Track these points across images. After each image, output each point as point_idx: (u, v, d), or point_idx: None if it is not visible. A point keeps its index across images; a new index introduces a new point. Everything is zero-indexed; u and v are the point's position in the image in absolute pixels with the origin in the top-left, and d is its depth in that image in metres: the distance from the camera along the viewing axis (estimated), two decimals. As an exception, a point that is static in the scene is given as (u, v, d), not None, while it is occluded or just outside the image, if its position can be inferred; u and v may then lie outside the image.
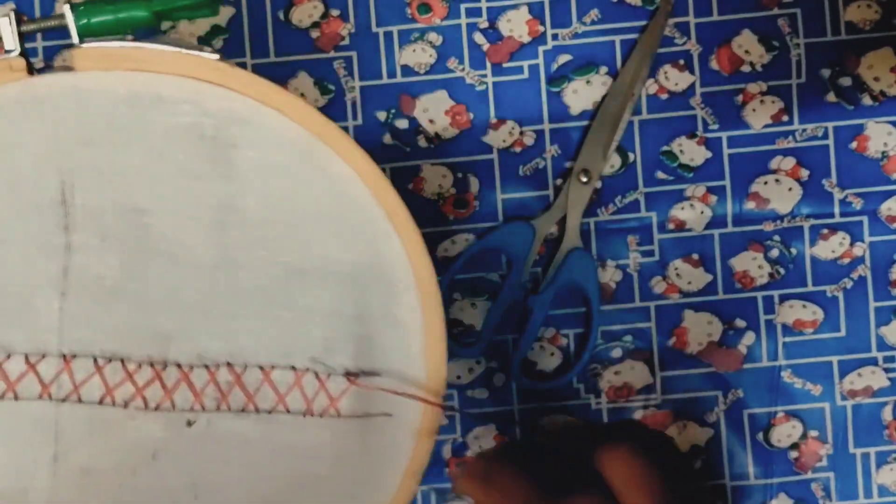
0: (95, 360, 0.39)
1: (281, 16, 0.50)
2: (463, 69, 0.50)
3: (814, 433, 0.51)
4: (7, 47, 0.39)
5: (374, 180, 0.40)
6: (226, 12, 0.50)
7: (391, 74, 0.50)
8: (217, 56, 0.39)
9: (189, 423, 0.39)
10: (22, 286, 0.39)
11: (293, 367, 0.40)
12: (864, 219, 0.51)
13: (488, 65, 0.50)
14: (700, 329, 0.51)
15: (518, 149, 0.50)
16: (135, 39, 0.39)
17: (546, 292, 0.50)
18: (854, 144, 0.50)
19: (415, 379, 0.40)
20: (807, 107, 0.50)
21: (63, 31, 0.39)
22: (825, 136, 0.50)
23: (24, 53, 0.38)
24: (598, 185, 0.50)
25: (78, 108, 0.39)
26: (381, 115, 0.50)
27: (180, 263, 0.39)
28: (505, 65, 0.50)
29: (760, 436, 0.51)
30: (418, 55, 0.50)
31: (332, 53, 0.50)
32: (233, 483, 0.40)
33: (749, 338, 0.51)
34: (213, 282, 0.40)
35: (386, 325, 0.40)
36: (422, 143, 0.50)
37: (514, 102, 0.50)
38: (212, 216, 0.40)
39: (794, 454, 0.51)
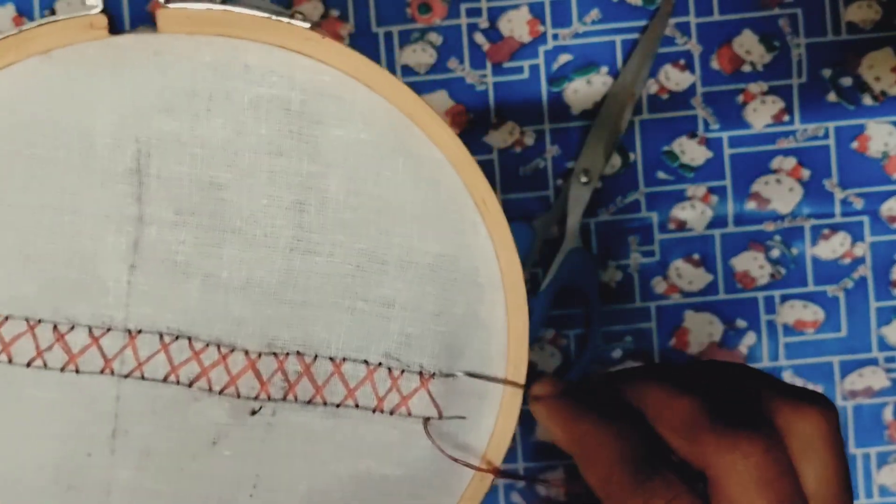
0: (161, 337, 0.37)
1: (281, 16, 0.50)
2: (463, 69, 0.50)
3: (815, 433, 0.51)
4: (89, 2, 0.36)
5: (466, 166, 0.38)
6: (225, 12, 0.50)
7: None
8: (308, 24, 0.36)
9: (253, 412, 0.37)
10: (90, 257, 0.37)
11: (366, 362, 0.38)
12: (865, 219, 0.50)
13: (488, 65, 0.50)
14: (701, 329, 0.51)
15: (518, 149, 0.50)
16: (223, 1, 0.37)
17: (546, 292, 0.50)
18: (855, 144, 0.50)
19: (493, 383, 0.38)
20: (808, 107, 0.50)
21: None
22: (826, 136, 0.50)
23: (107, 10, 0.36)
24: (599, 185, 0.50)
25: (160, 73, 0.37)
26: (382, 115, 0.50)
27: (255, 244, 0.37)
28: (505, 65, 0.50)
29: (761, 436, 0.51)
30: (418, 55, 0.50)
31: (332, 53, 0.50)
32: (294, 477, 0.38)
33: (750, 338, 0.51)
34: (287, 266, 0.37)
35: (467, 323, 0.38)
36: (422, 143, 0.50)
37: (515, 102, 0.50)
38: (291, 196, 0.37)
39: (794, 454, 0.51)
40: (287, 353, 0.38)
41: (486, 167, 0.50)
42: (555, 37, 0.50)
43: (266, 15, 0.36)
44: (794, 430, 0.32)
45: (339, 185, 0.37)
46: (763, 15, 0.50)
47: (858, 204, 0.50)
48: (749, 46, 0.50)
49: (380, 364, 0.38)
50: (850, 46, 0.50)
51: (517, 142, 0.50)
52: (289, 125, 0.37)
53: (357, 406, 0.38)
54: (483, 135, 0.50)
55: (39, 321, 0.37)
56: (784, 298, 0.51)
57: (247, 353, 0.38)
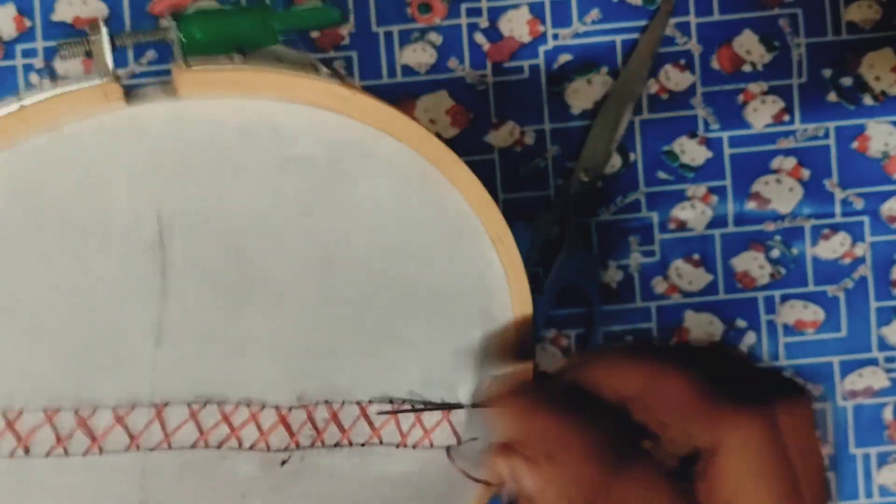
0: (189, 406, 0.36)
1: (281, 16, 0.50)
2: (463, 69, 0.50)
3: (815, 433, 0.51)
4: (99, 71, 0.33)
5: (485, 206, 0.38)
6: (226, 12, 0.50)
7: (391, 74, 0.50)
8: (338, 80, 0.35)
9: (283, 462, 0.37)
10: (112, 336, 0.35)
11: (390, 401, 0.38)
12: (866, 219, 0.50)
13: (489, 65, 0.50)
14: (701, 329, 0.51)
15: (518, 149, 0.50)
16: (243, 55, 0.35)
17: (546, 292, 0.50)
18: (855, 144, 0.50)
19: None
20: (808, 107, 0.50)
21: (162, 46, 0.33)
22: (826, 136, 0.50)
23: (117, 76, 0.33)
24: (599, 184, 0.50)
25: (183, 142, 0.34)
26: (382, 115, 0.50)
27: (283, 303, 0.36)
28: (505, 65, 0.50)
29: (761, 436, 0.51)
30: (418, 55, 0.50)
31: (332, 53, 0.50)
32: None
33: (750, 338, 0.51)
34: (315, 320, 0.37)
35: (483, 355, 0.38)
36: (422, 143, 0.50)
37: (515, 102, 0.50)
38: (319, 254, 0.36)
39: (794, 454, 0.51)
40: (316, 403, 0.37)
41: (486, 167, 0.50)
42: (555, 37, 0.50)
43: (294, 73, 0.34)
44: (785, 425, 0.30)
45: (366, 238, 0.37)
46: (763, 15, 0.50)
47: (858, 204, 0.50)
48: (749, 46, 0.50)
49: (403, 401, 0.38)
50: (850, 46, 0.50)
51: (517, 142, 0.50)
52: (317, 183, 0.36)
53: (381, 443, 0.38)
54: (483, 135, 0.50)
55: (58, 410, 0.35)
56: (784, 298, 0.51)
57: (277, 408, 0.37)
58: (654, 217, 0.50)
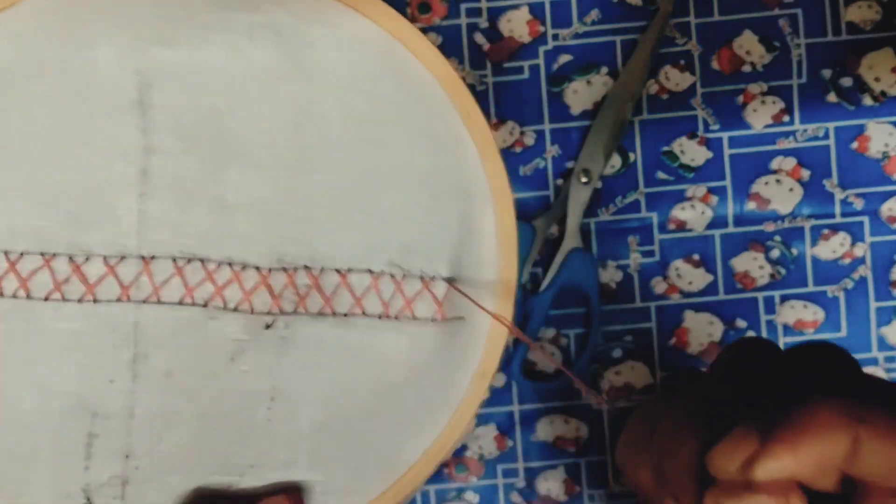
0: (175, 261, 0.39)
1: (281, 16, 0.50)
2: (463, 69, 0.50)
3: (814, 434, 0.51)
4: None
5: (452, 84, 0.40)
6: (226, 12, 0.50)
7: (391, 74, 0.50)
8: None
9: (267, 326, 0.39)
10: (100, 188, 0.38)
11: (370, 271, 0.39)
12: (865, 219, 0.50)
13: (488, 65, 0.50)
14: (701, 329, 0.51)
15: (518, 149, 0.50)
16: None
17: (546, 292, 0.50)
18: (855, 145, 0.50)
19: (487, 283, 0.40)
20: (807, 107, 0.50)
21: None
22: (826, 137, 0.50)
23: None
24: (599, 185, 0.50)
25: (158, 6, 0.38)
26: (382, 115, 0.50)
27: (259, 166, 0.39)
28: (505, 65, 0.50)
29: (761, 436, 0.51)
30: (419, 55, 0.50)
31: (333, 53, 0.50)
32: (308, 388, 0.39)
33: (750, 338, 0.51)
34: (290, 184, 0.39)
35: (461, 230, 0.40)
36: (422, 143, 0.50)
37: (515, 102, 0.50)
38: (290, 117, 0.39)
39: (794, 455, 0.51)
40: (296, 268, 0.39)
41: (486, 167, 0.50)
42: (555, 37, 0.50)
43: None
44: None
45: (334, 105, 0.39)
46: (763, 15, 0.50)
47: (858, 204, 0.50)
48: (749, 47, 0.50)
49: (383, 272, 0.40)
50: (850, 46, 0.50)
51: (517, 142, 0.50)
52: (283, 49, 0.39)
53: (364, 313, 0.39)
54: (483, 135, 0.50)
55: (55, 255, 0.38)
56: (784, 298, 0.51)
57: (258, 269, 0.39)
58: (654, 217, 0.51)
